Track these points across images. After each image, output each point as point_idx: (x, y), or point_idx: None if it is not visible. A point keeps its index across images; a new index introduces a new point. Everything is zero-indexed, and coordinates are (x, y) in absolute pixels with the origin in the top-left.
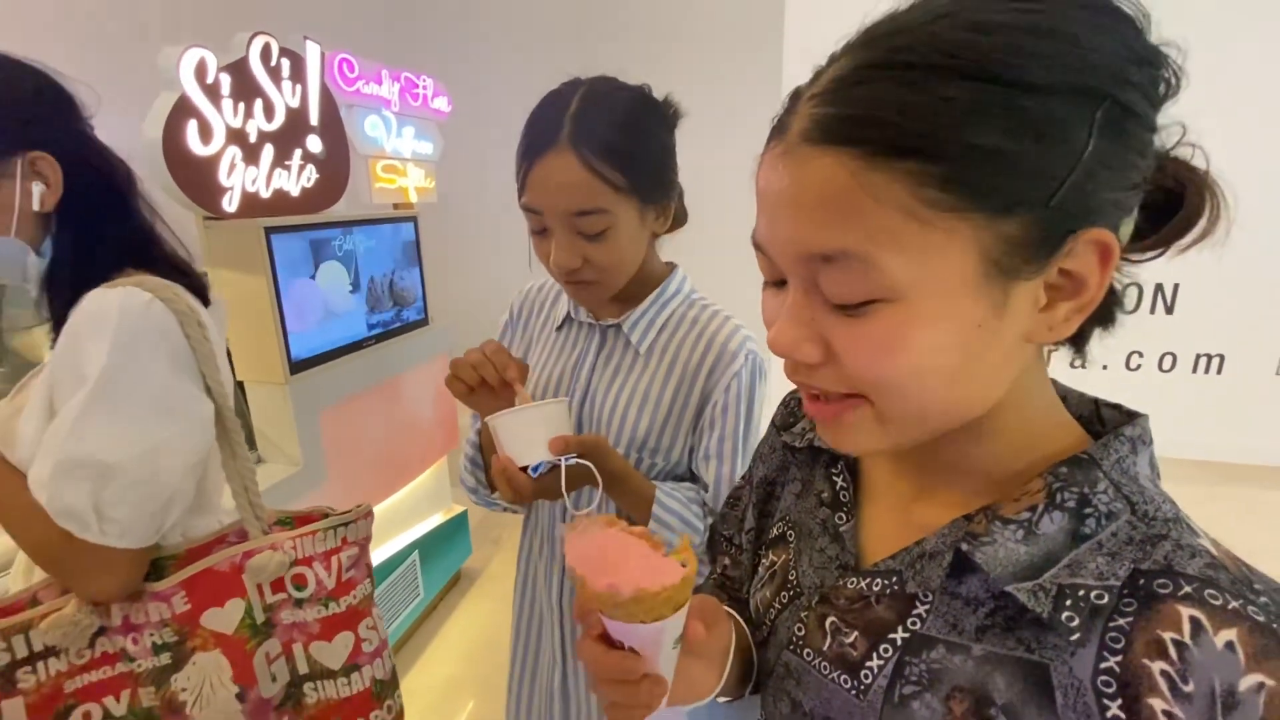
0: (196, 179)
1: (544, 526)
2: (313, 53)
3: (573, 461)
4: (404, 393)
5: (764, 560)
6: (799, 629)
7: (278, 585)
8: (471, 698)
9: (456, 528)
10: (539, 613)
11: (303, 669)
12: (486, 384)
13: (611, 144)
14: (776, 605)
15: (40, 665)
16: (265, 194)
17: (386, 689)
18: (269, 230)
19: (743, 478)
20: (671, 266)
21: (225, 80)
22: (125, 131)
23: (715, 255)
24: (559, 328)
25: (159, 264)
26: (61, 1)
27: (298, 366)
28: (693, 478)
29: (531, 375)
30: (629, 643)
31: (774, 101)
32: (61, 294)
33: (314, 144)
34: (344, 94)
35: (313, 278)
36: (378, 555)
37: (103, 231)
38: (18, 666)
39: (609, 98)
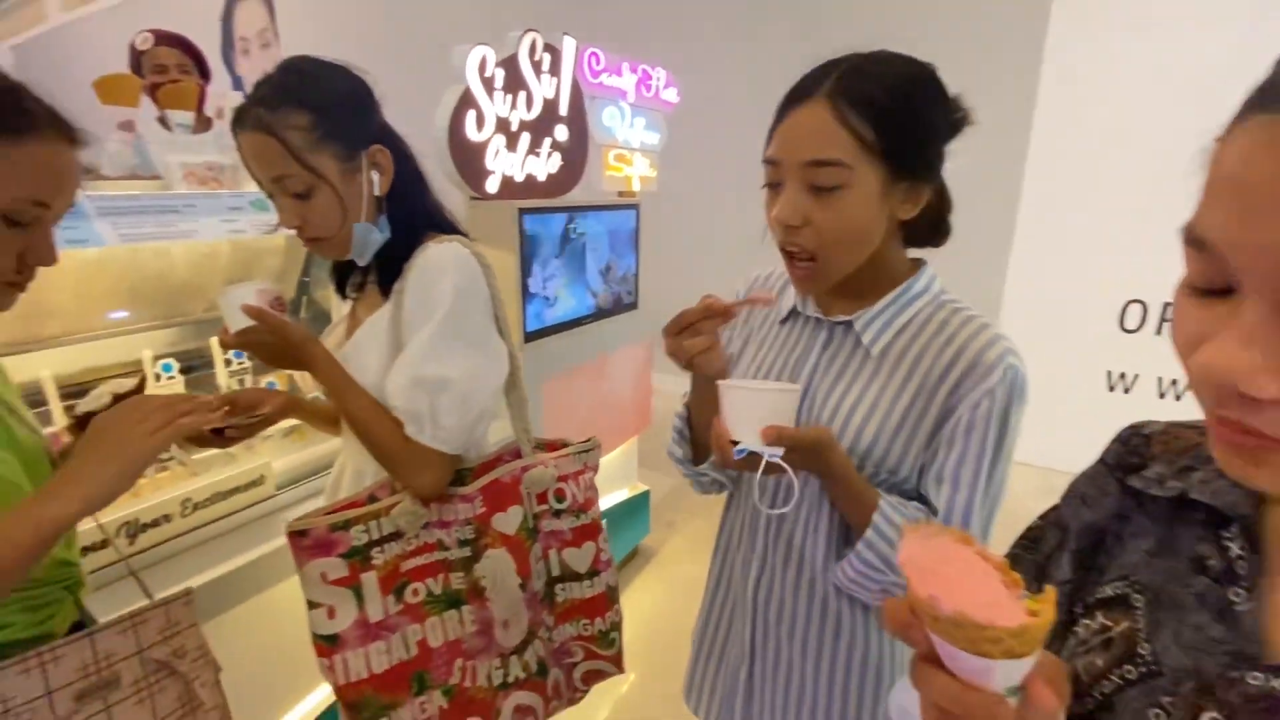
0: (469, 163)
1: (745, 517)
2: (569, 47)
3: (775, 459)
4: (611, 371)
5: (1089, 621)
6: (1157, 715)
7: (542, 497)
8: (634, 670)
9: (639, 506)
10: (730, 603)
11: (555, 571)
12: (713, 345)
13: (870, 97)
14: (1115, 680)
15: (387, 546)
16: (519, 178)
17: (615, 594)
18: (522, 211)
19: (1042, 517)
20: (919, 263)
21: (499, 74)
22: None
23: (956, 265)
24: (783, 320)
25: (449, 230)
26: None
27: (530, 337)
28: (919, 499)
29: (750, 367)
30: (953, 669)
31: (1025, 121)
32: (392, 259)
33: (561, 133)
34: (588, 85)
35: (558, 256)
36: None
37: (415, 206)
38: (372, 546)
39: (889, 62)
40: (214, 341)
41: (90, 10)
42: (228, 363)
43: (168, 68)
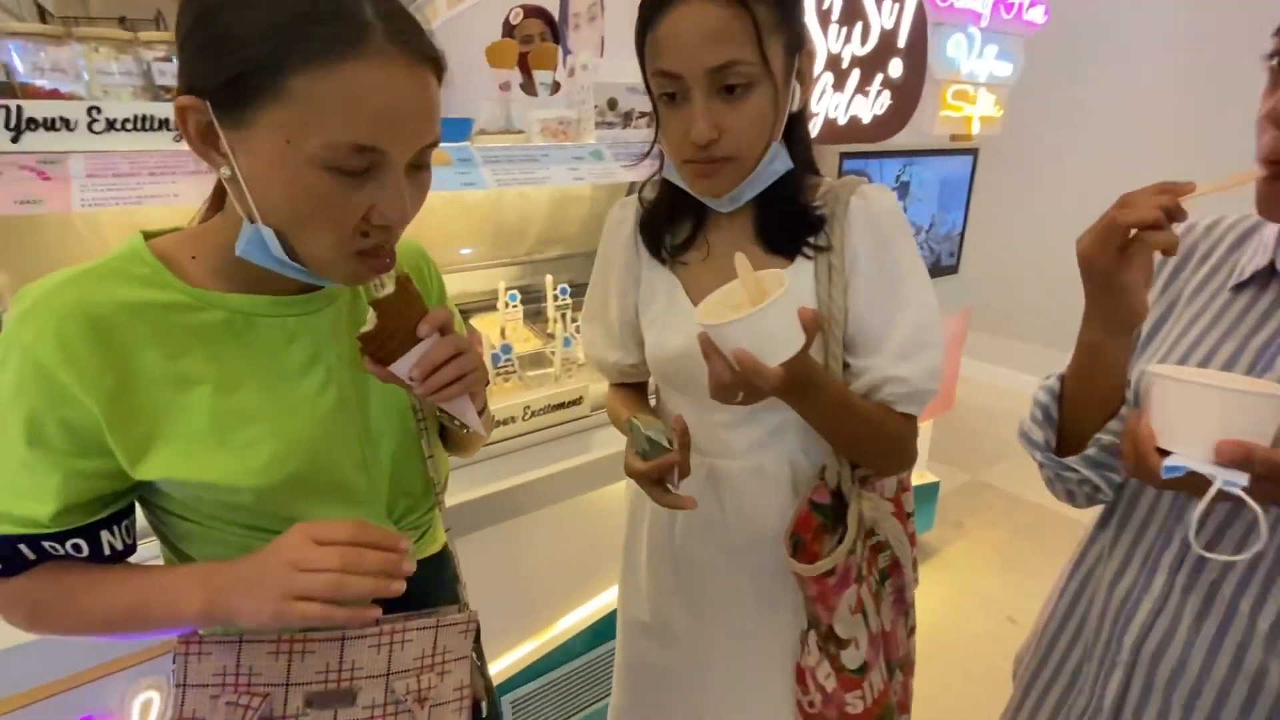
0: None
1: (1138, 541)
2: None
3: (1233, 488)
4: None
5: None
6: None
7: None
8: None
9: (924, 497)
10: (1084, 642)
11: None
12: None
13: None
14: None
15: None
16: (843, 120)
17: None
18: (843, 156)
19: None
20: None
21: (838, 4)
22: None
23: None
24: (1239, 286)
25: (817, 174)
26: None
27: None
28: None
29: (1177, 348)
30: None
31: None
32: (793, 205)
33: (895, 68)
34: (936, 10)
35: None
36: None
37: (805, 138)
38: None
39: None
40: (548, 279)
41: (466, 5)
42: (555, 298)
43: (533, 37)
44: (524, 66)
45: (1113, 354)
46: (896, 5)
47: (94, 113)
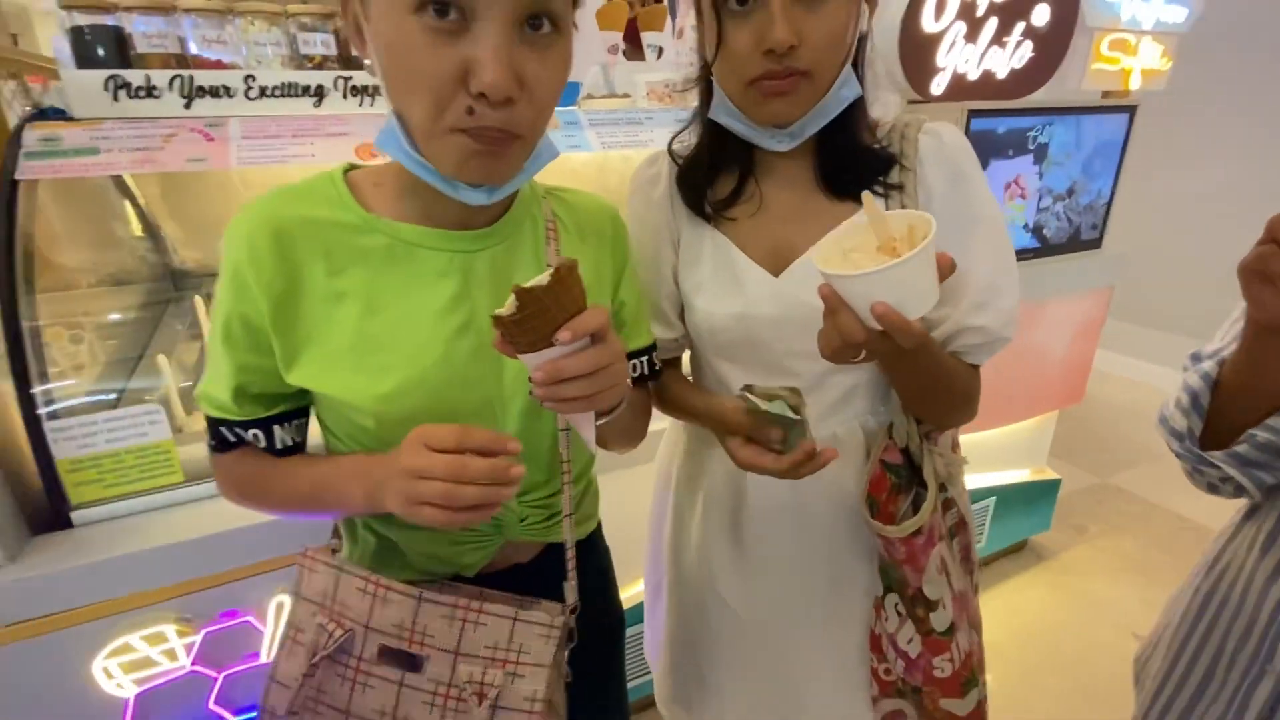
0: (917, 59)
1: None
2: None
3: None
4: (1044, 324)
5: None
6: None
7: None
8: (991, 672)
9: (1041, 494)
10: (1220, 637)
11: None
12: None
13: None
14: None
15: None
16: (974, 75)
17: None
18: (971, 114)
19: None
20: None
21: None
22: None
23: None
24: None
25: None
26: None
27: None
28: None
29: None
30: None
31: None
32: (856, 142)
33: (1040, 15)
34: None
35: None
36: None
37: (864, 71)
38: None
39: None
40: None
41: None
42: None
43: (645, 1)
44: (631, 30)
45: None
46: None
47: (249, 80)
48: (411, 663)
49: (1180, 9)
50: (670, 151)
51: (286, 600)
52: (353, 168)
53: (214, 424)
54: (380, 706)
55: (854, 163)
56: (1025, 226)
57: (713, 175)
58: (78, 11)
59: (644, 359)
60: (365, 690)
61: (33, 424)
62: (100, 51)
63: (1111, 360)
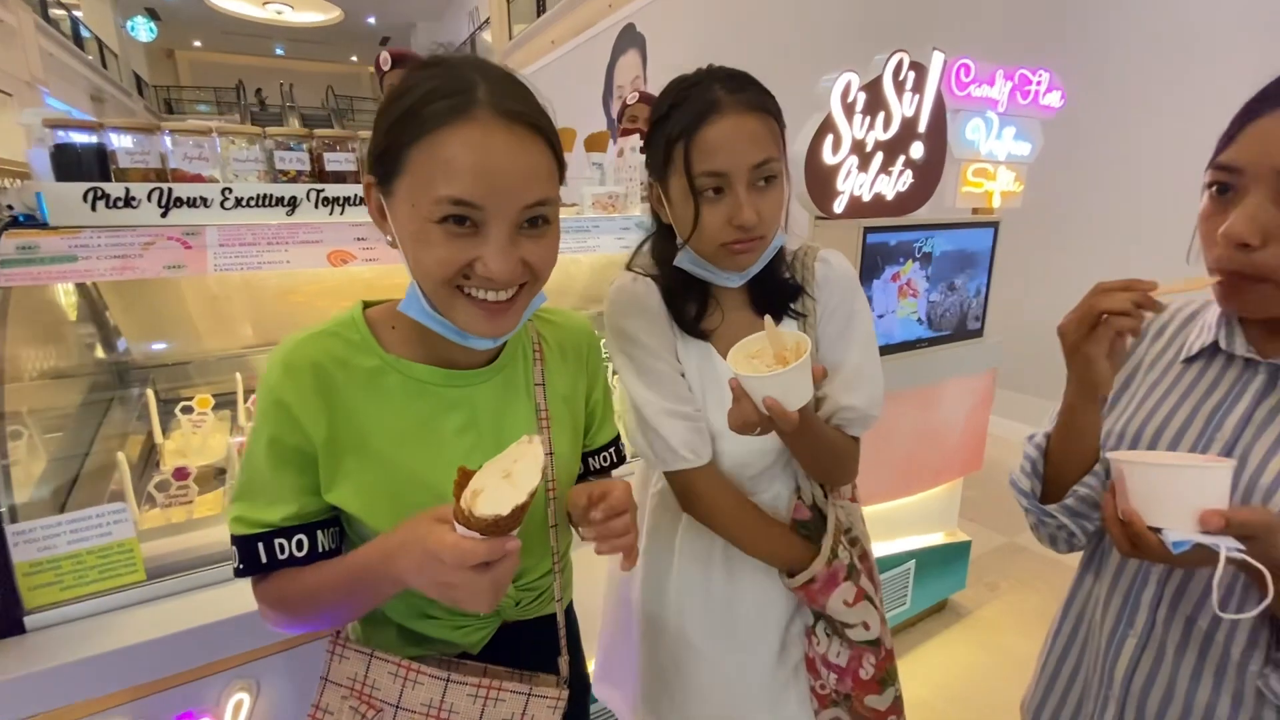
0: (820, 184)
1: (1116, 583)
2: (936, 62)
3: (1235, 554)
4: (942, 402)
5: None
6: None
7: None
8: None
9: (955, 555)
10: (1082, 683)
11: None
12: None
13: None
14: None
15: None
16: (867, 197)
17: None
18: (867, 230)
19: None
20: None
21: (861, 97)
22: None
23: None
24: (1190, 359)
25: None
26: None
27: None
28: None
29: (1138, 415)
30: None
31: None
32: (782, 278)
33: (916, 150)
34: (954, 99)
35: (894, 277)
36: (877, 549)
37: None
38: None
39: None
40: None
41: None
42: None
43: (637, 118)
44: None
45: (1086, 418)
46: (916, 95)
47: (226, 193)
48: None
49: (1025, 144)
50: (649, 275)
51: (246, 697)
52: (368, 305)
53: (250, 542)
54: None
55: (778, 292)
56: (919, 320)
57: (682, 302)
58: (61, 129)
59: (612, 450)
60: None
61: None
62: (81, 167)
63: (1007, 427)
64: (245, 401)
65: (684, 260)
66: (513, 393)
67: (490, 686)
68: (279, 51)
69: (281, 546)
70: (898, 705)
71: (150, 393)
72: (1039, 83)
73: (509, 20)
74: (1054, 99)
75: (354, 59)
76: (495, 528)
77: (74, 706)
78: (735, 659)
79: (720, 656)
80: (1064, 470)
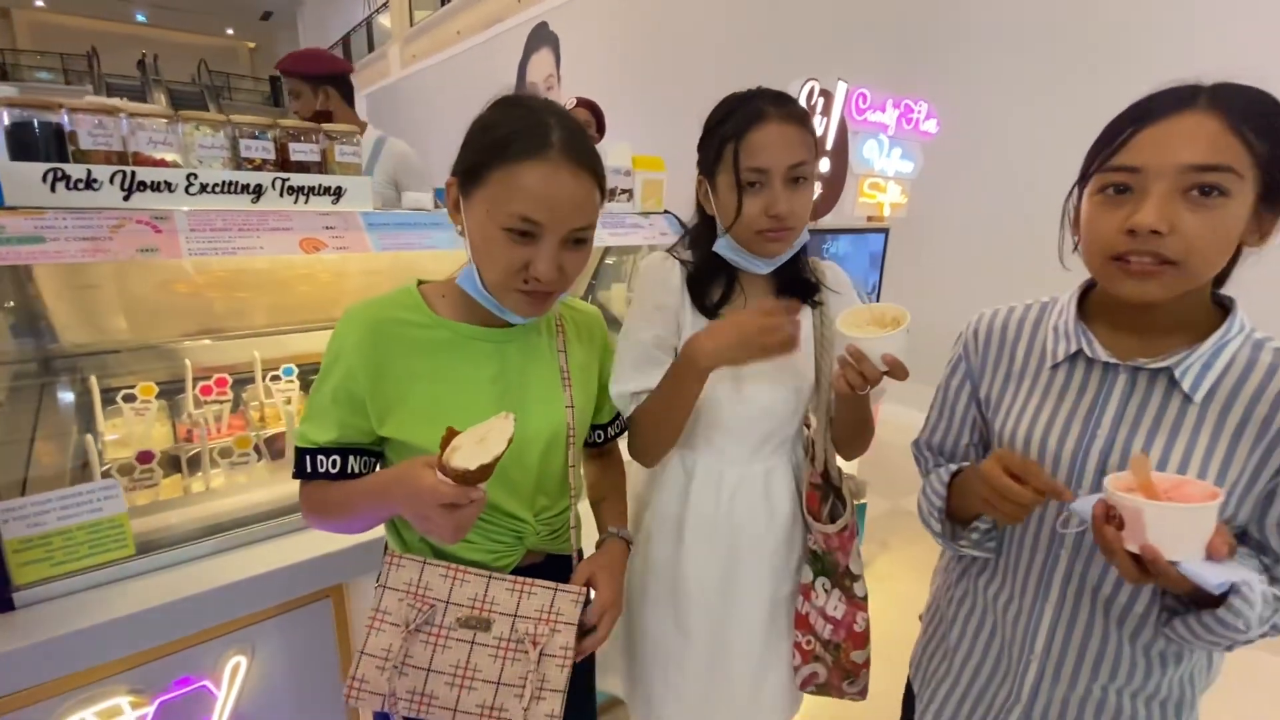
0: None
1: (1028, 566)
2: (841, 90)
3: (1254, 577)
4: None
5: None
6: None
7: None
8: None
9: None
10: (998, 649)
11: None
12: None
13: (1262, 111)
14: None
15: None
16: None
17: None
18: None
19: None
20: (1223, 299)
21: None
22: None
23: None
24: (1055, 366)
25: None
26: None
27: None
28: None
29: (1022, 418)
30: None
31: None
32: (801, 270)
33: (824, 166)
34: (854, 122)
35: None
36: None
37: None
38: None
39: (1260, 89)
40: None
41: (423, 65)
42: None
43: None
44: None
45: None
46: (824, 118)
47: (191, 178)
48: (482, 625)
49: (909, 163)
50: (680, 259)
51: (243, 660)
52: (422, 283)
53: (303, 454)
54: (456, 661)
55: (801, 283)
56: None
57: (709, 285)
58: (21, 109)
59: (616, 424)
60: (444, 650)
61: None
62: (40, 146)
63: (891, 410)
64: (194, 389)
65: (722, 246)
66: (537, 356)
67: (524, 582)
68: (140, 18)
69: (320, 462)
70: (869, 663)
71: (93, 379)
72: (919, 111)
73: (409, 6)
74: (931, 125)
75: (230, 31)
76: (464, 478)
77: (73, 676)
78: (724, 622)
79: (707, 621)
80: (967, 515)
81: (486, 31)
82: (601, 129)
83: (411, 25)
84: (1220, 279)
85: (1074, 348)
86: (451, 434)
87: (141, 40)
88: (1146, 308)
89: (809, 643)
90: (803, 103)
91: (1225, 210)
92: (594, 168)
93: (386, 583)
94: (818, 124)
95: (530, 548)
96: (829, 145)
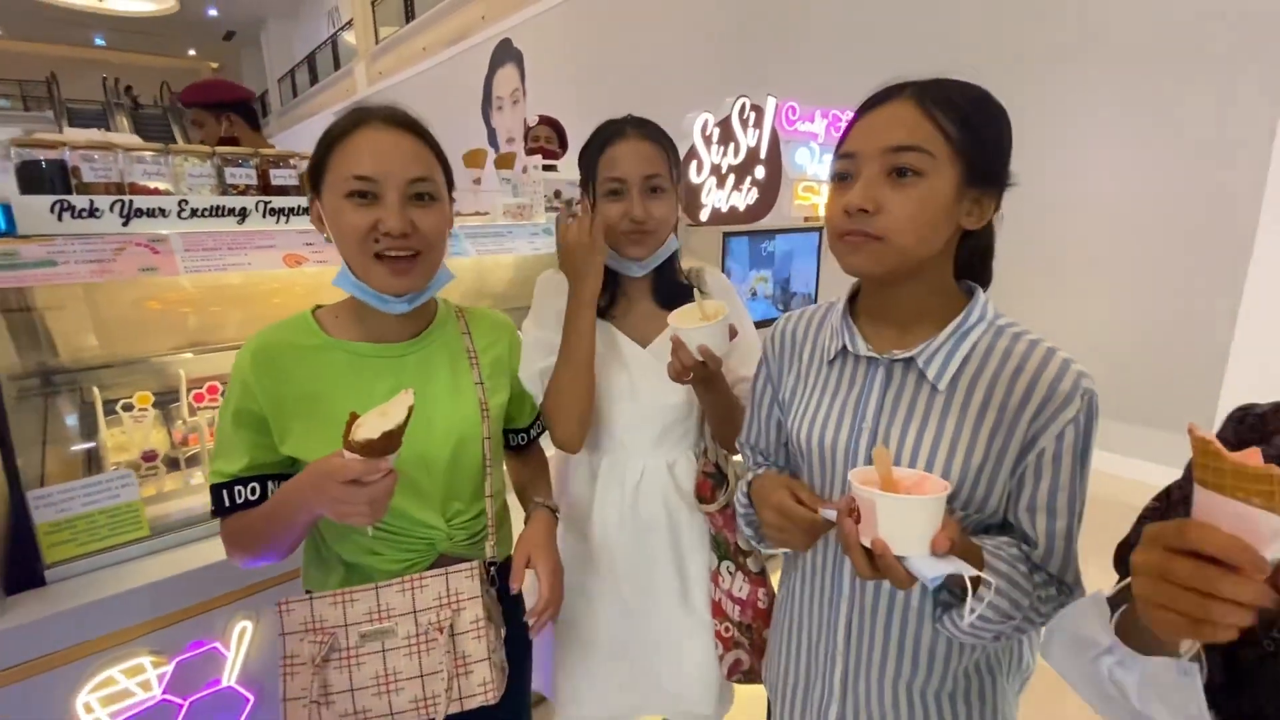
0: (690, 199)
1: (826, 568)
2: (770, 105)
3: (971, 573)
4: None
5: None
6: None
7: None
8: None
9: None
10: (809, 648)
11: None
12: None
13: (953, 100)
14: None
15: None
16: (724, 209)
17: None
18: (726, 234)
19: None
20: (971, 288)
21: (716, 131)
22: None
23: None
24: (830, 362)
25: None
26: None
27: None
28: (1001, 529)
29: (803, 412)
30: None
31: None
32: (672, 273)
33: (759, 172)
34: (785, 132)
35: (753, 270)
36: None
37: None
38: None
39: (966, 83)
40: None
41: (390, 82)
42: None
43: (540, 138)
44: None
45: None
46: (757, 130)
47: (182, 204)
48: (386, 634)
49: None
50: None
51: (249, 625)
52: (318, 308)
53: (219, 489)
54: (375, 673)
55: (675, 288)
56: (773, 303)
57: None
58: (28, 148)
59: (536, 425)
60: (360, 667)
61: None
62: (47, 180)
63: None
64: (187, 396)
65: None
66: (440, 365)
67: (412, 580)
68: (99, 42)
69: (239, 492)
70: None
71: (96, 390)
72: (846, 121)
73: (374, 23)
74: None
75: (192, 53)
76: (369, 449)
77: (101, 639)
78: (639, 608)
79: (623, 608)
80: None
81: (452, 48)
82: (564, 144)
83: (377, 42)
84: (973, 268)
85: (841, 343)
86: (354, 417)
87: (102, 64)
88: (893, 298)
89: (727, 629)
90: (735, 117)
91: (923, 188)
92: (415, 127)
93: (284, 630)
94: (749, 136)
95: (444, 552)
96: (762, 154)
